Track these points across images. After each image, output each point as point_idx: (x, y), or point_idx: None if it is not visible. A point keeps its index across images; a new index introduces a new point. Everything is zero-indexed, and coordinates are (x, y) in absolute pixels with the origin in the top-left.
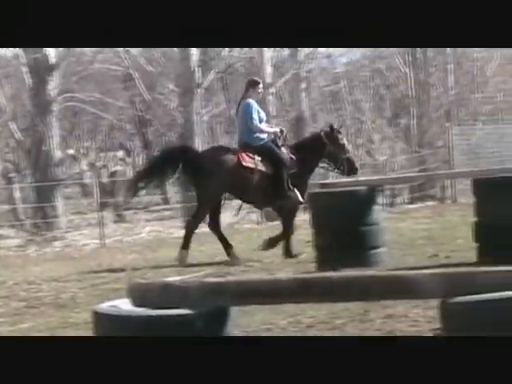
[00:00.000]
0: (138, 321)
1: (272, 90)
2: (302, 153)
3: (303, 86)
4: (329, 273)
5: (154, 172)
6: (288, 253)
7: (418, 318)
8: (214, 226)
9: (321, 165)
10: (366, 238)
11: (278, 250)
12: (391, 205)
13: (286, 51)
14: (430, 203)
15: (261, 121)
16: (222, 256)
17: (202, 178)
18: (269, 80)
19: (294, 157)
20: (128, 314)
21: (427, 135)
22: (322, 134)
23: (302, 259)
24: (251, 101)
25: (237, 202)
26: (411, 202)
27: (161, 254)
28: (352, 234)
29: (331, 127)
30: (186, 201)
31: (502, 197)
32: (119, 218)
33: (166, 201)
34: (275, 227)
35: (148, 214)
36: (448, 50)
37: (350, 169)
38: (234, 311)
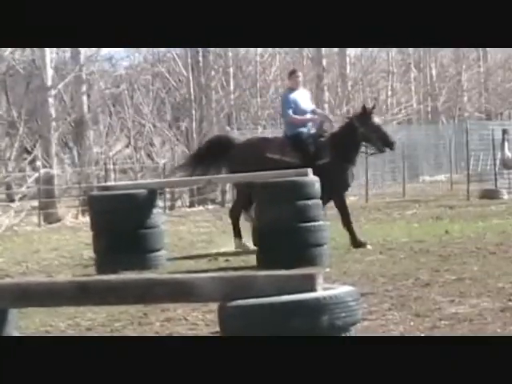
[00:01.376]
0: None
1: (53, 92)
2: (337, 141)
3: (84, 88)
4: (107, 276)
5: (204, 160)
6: (357, 244)
7: (197, 322)
8: (237, 214)
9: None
10: (145, 240)
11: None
12: (171, 208)
13: (67, 53)
14: (211, 207)
15: (297, 111)
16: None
17: (235, 170)
18: (50, 82)
19: (325, 147)
20: None
21: (208, 139)
22: (353, 118)
23: None
24: (286, 93)
25: None
26: (191, 206)
27: None
28: (132, 236)
29: (363, 108)
30: None
31: (278, 200)
32: None
33: None
34: (55, 229)
35: None
36: (230, 53)
37: (385, 144)
38: (13, 313)
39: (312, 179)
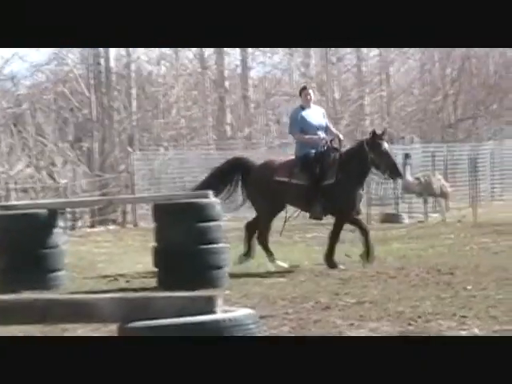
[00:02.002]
0: None
1: None
2: (346, 162)
3: None
4: (8, 295)
5: (221, 182)
6: (330, 262)
7: None
8: (248, 226)
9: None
10: (46, 260)
11: None
12: (72, 228)
13: None
14: (111, 227)
15: (308, 129)
16: None
17: (251, 194)
18: None
19: (333, 167)
20: None
21: (109, 159)
22: (364, 141)
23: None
24: (296, 111)
25: None
26: (92, 226)
27: None
28: (32, 256)
29: (373, 133)
30: None
31: (178, 222)
32: None
33: None
34: None
35: None
36: (133, 74)
37: (392, 173)
38: None
39: (212, 201)
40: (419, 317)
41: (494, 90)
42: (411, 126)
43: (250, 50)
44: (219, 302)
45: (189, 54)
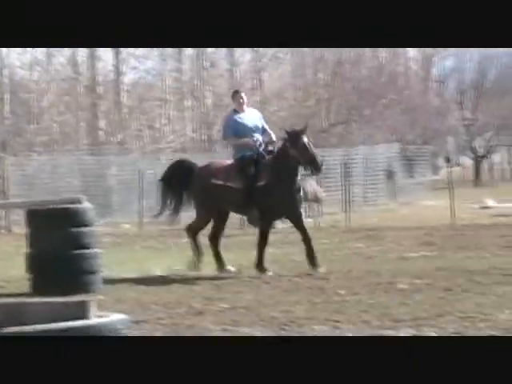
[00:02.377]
0: None
1: None
2: (275, 164)
3: None
4: None
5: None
6: (259, 267)
7: None
8: (212, 238)
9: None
10: None
11: None
12: None
13: None
14: None
15: (243, 132)
16: None
17: (190, 195)
18: None
19: (267, 169)
20: None
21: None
22: (285, 139)
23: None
24: (229, 115)
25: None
26: None
27: None
28: None
29: (290, 130)
30: None
31: (51, 228)
32: None
33: None
34: None
35: None
36: (5, 79)
37: (314, 167)
38: None
39: (85, 207)
40: (292, 322)
41: (367, 94)
42: (284, 131)
43: (122, 55)
44: (92, 307)
45: (61, 59)
